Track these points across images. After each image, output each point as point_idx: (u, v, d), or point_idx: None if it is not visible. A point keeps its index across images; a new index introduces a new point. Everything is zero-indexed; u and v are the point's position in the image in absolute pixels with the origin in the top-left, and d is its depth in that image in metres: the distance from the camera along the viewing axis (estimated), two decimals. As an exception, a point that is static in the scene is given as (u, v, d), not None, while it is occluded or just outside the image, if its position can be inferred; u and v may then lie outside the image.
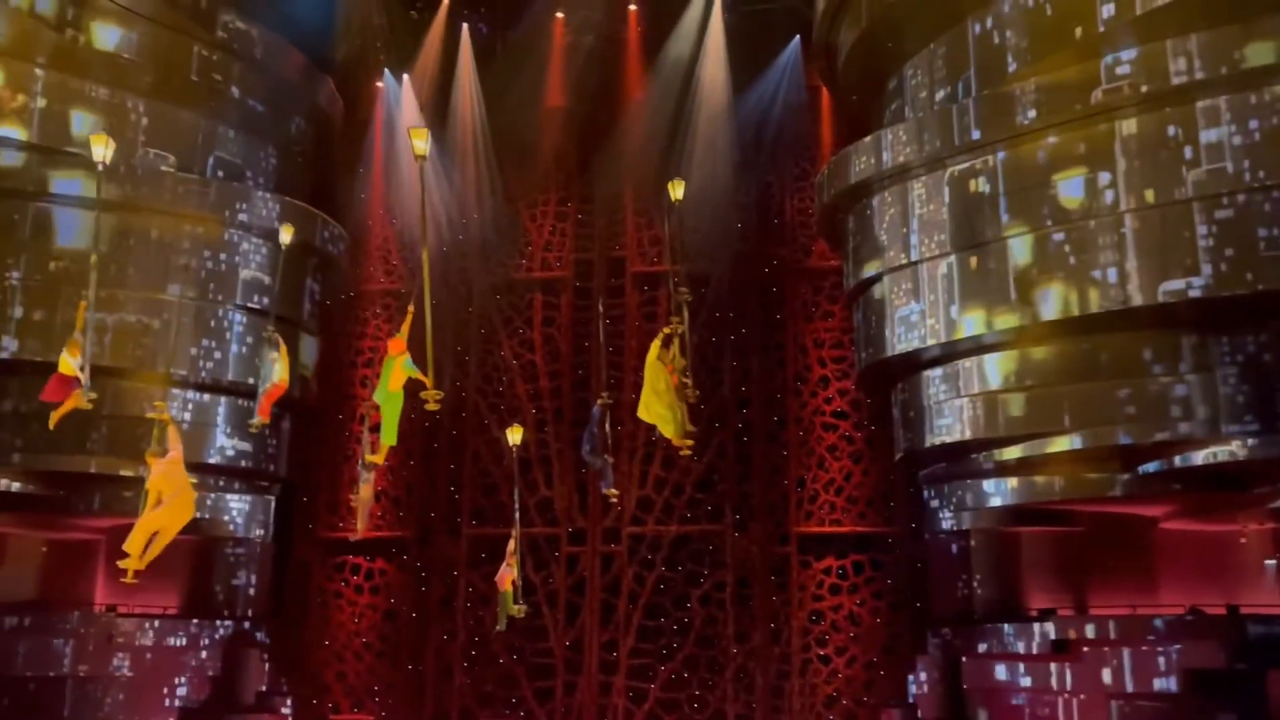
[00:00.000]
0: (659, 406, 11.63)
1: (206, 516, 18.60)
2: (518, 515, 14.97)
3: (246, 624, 19.21)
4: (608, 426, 14.21)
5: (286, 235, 14.60)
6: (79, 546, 18.60)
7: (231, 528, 19.46)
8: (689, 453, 11.85)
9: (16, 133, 16.82)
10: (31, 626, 16.99)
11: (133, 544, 11.32)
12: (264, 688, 19.01)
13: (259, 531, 19.84)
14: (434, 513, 21.09)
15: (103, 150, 12.03)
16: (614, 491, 14.22)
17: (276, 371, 12.90)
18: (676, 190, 12.86)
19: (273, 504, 19.92)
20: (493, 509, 20.05)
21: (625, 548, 20.83)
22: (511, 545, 14.14)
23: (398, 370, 11.05)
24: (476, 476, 20.98)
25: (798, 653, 20.22)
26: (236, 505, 19.27)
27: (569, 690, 20.57)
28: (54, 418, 11.50)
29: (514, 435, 14.34)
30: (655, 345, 12.11)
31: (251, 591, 19.66)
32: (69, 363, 11.45)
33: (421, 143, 10.36)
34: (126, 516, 16.64)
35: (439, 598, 21.09)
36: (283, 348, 13.09)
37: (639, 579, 20.92)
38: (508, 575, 14.00)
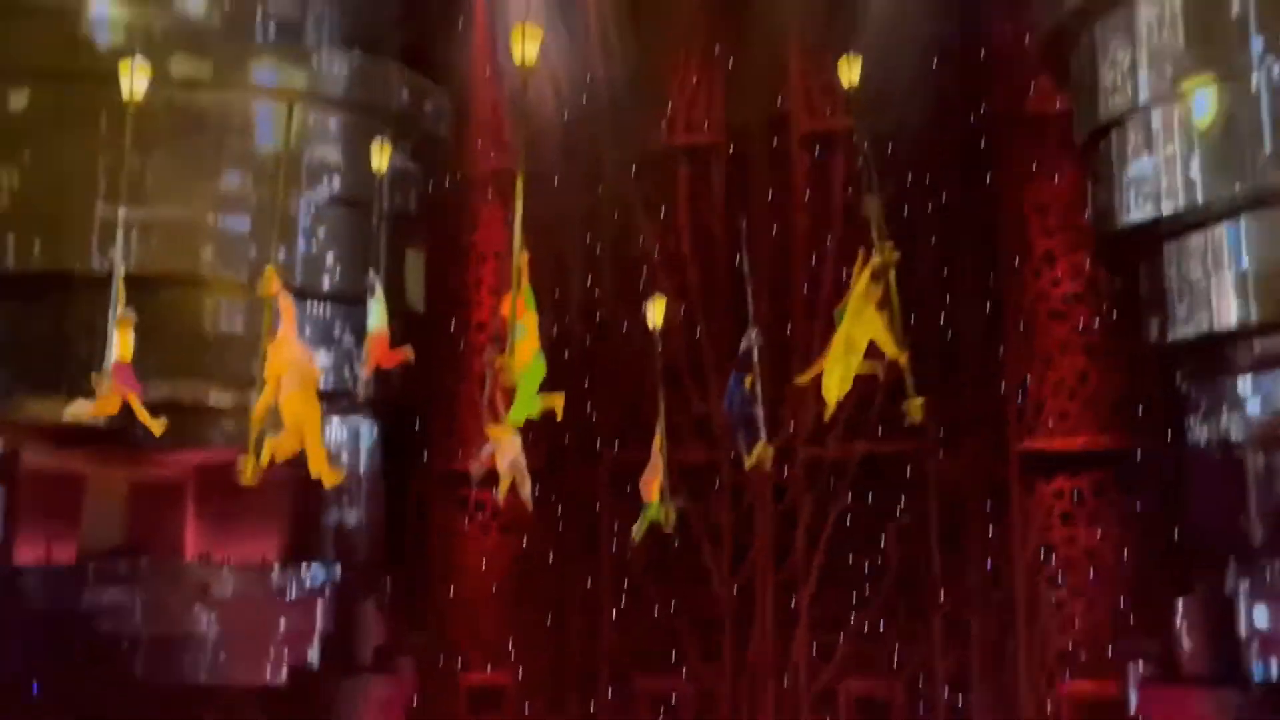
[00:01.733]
0: (842, 367, 11.57)
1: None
2: (662, 405, 14.30)
3: (359, 572, 19.18)
4: (754, 368, 13.55)
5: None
6: (165, 487, 18.80)
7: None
8: (878, 371, 11.87)
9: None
10: (115, 576, 17.49)
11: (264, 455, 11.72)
12: (382, 644, 19.04)
13: (365, 463, 19.72)
14: (567, 435, 20.57)
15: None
16: (763, 454, 13.44)
17: (375, 316, 12.96)
18: (851, 70, 12.87)
19: (376, 430, 19.48)
20: (636, 431, 18.68)
21: (801, 473, 20.36)
22: (657, 442, 13.82)
23: (529, 338, 11.04)
24: (615, 393, 20.66)
25: (1023, 598, 19.66)
26: (334, 433, 19.02)
27: (739, 646, 20.42)
28: (150, 423, 12.05)
29: (656, 310, 14.34)
30: (862, 276, 11.88)
31: (363, 534, 19.60)
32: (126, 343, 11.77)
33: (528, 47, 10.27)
34: (218, 448, 17.19)
35: (578, 536, 20.88)
36: (378, 291, 13.11)
37: (819, 511, 20.43)
38: (654, 481, 13.72)
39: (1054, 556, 19.92)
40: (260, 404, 12.05)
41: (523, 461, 11.95)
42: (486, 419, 11.81)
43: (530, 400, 11.01)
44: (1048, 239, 20.37)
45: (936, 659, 20.04)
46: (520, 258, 10.99)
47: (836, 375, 11.79)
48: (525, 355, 10.78)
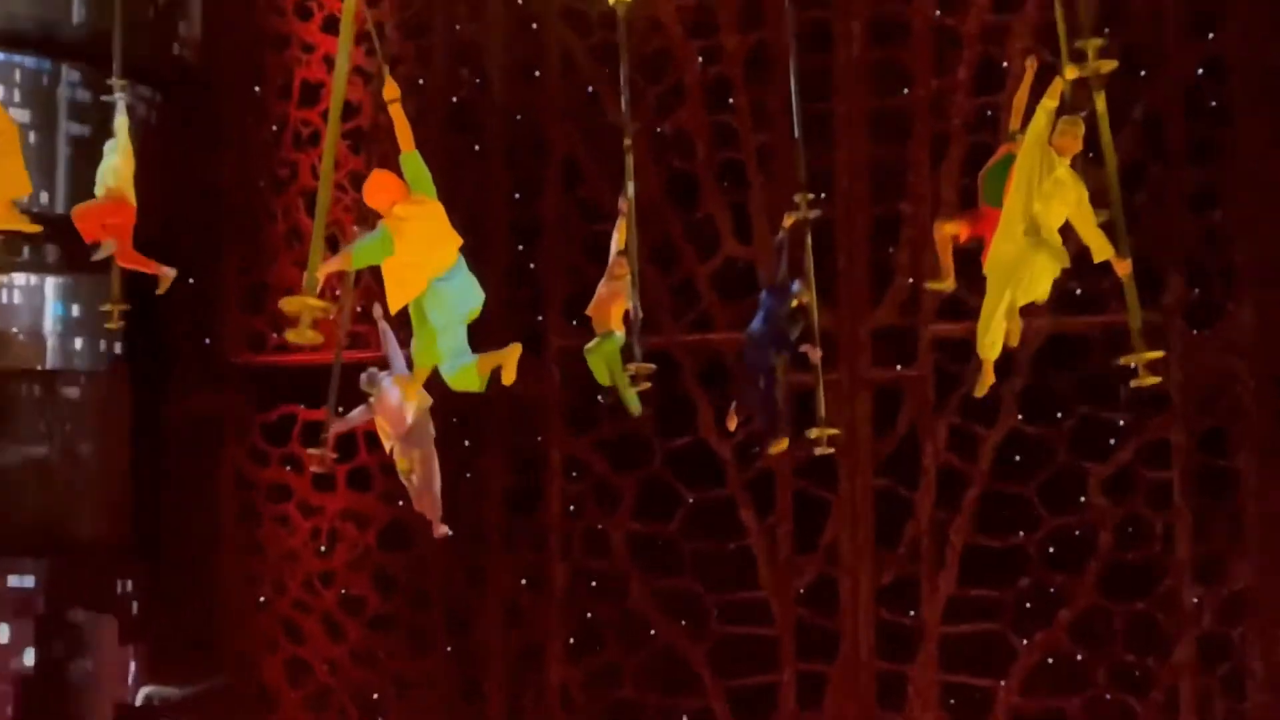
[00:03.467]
0: (1010, 282, 10.16)
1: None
2: (629, 140, 12.69)
3: (82, 570, 18.25)
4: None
5: None
6: None
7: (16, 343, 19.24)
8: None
9: None
10: None
11: None
12: (132, 692, 18.30)
13: (87, 353, 19.10)
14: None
15: None
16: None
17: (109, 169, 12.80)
18: None
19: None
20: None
21: (930, 371, 17.92)
22: (618, 238, 12.97)
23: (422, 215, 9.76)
24: (570, 221, 18.76)
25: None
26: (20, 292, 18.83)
27: (810, 691, 18.21)
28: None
29: None
30: (1042, 115, 10.18)
31: (91, 505, 18.74)
32: None
33: None
34: None
35: (503, 493, 18.83)
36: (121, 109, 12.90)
37: (963, 444, 17.87)
38: (615, 303, 12.87)
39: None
40: None
41: (429, 441, 12.48)
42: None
43: (450, 349, 9.91)
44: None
45: None
46: None
47: (1000, 300, 10.21)
48: (419, 261, 9.65)
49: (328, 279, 10.35)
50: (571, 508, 18.10)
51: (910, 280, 17.45)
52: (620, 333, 13.39)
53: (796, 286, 13.46)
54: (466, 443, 18.39)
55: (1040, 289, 10.66)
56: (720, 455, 17.84)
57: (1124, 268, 10.88)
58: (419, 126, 18.57)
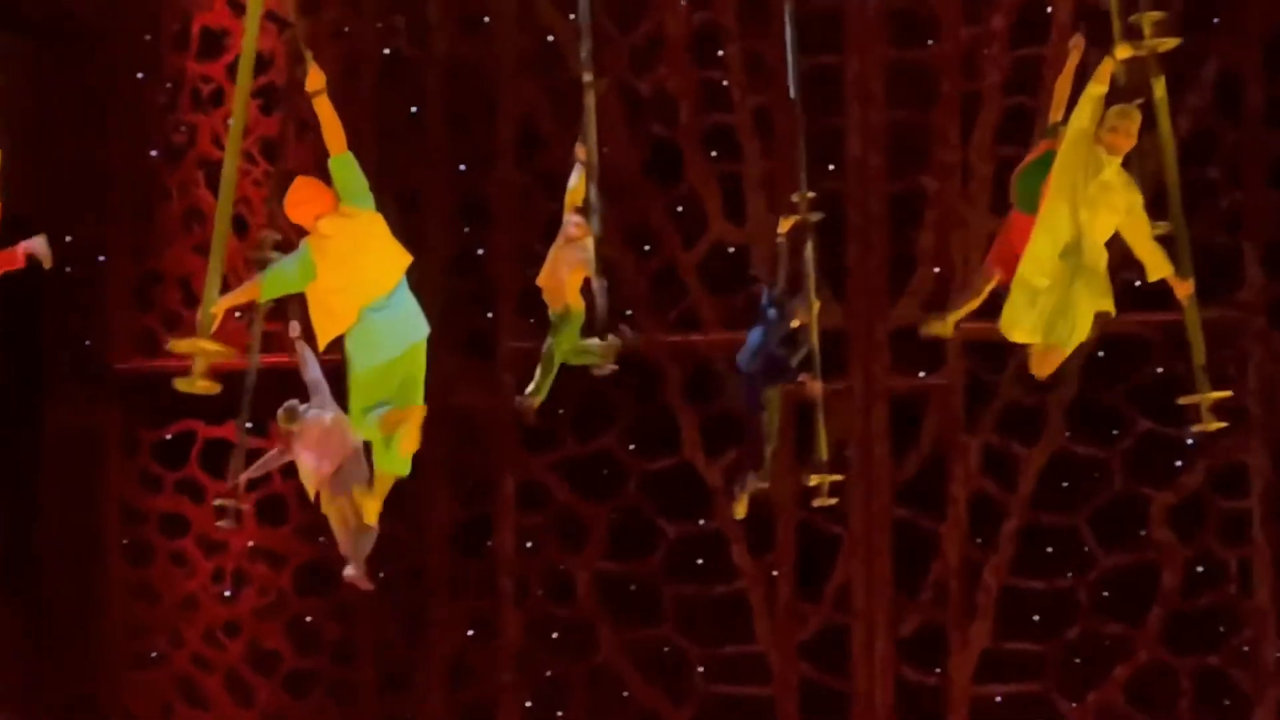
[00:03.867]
0: (1041, 305, 10.44)
1: None
2: (588, 76, 13.28)
3: None
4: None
5: None
6: None
7: None
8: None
9: None
10: None
11: None
12: None
13: None
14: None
15: None
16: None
17: None
18: None
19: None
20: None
21: (960, 378, 18.15)
22: (574, 192, 13.24)
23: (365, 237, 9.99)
24: (527, 199, 18.87)
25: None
26: None
27: None
28: None
29: None
30: (1087, 105, 10.48)
31: None
32: None
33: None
34: None
35: (447, 526, 18.84)
36: None
37: (999, 467, 17.97)
38: (572, 272, 13.13)
39: None
40: None
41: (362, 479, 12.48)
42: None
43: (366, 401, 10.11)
44: None
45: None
46: None
47: (1030, 321, 10.50)
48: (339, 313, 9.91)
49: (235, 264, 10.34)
50: (529, 544, 18.13)
51: (936, 270, 17.50)
52: (579, 309, 13.37)
53: (796, 304, 13.52)
54: (403, 468, 18.14)
55: (1076, 330, 10.71)
56: (708, 481, 17.82)
57: (1185, 289, 10.91)
58: (344, 85, 18.78)
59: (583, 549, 17.96)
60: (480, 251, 18.58)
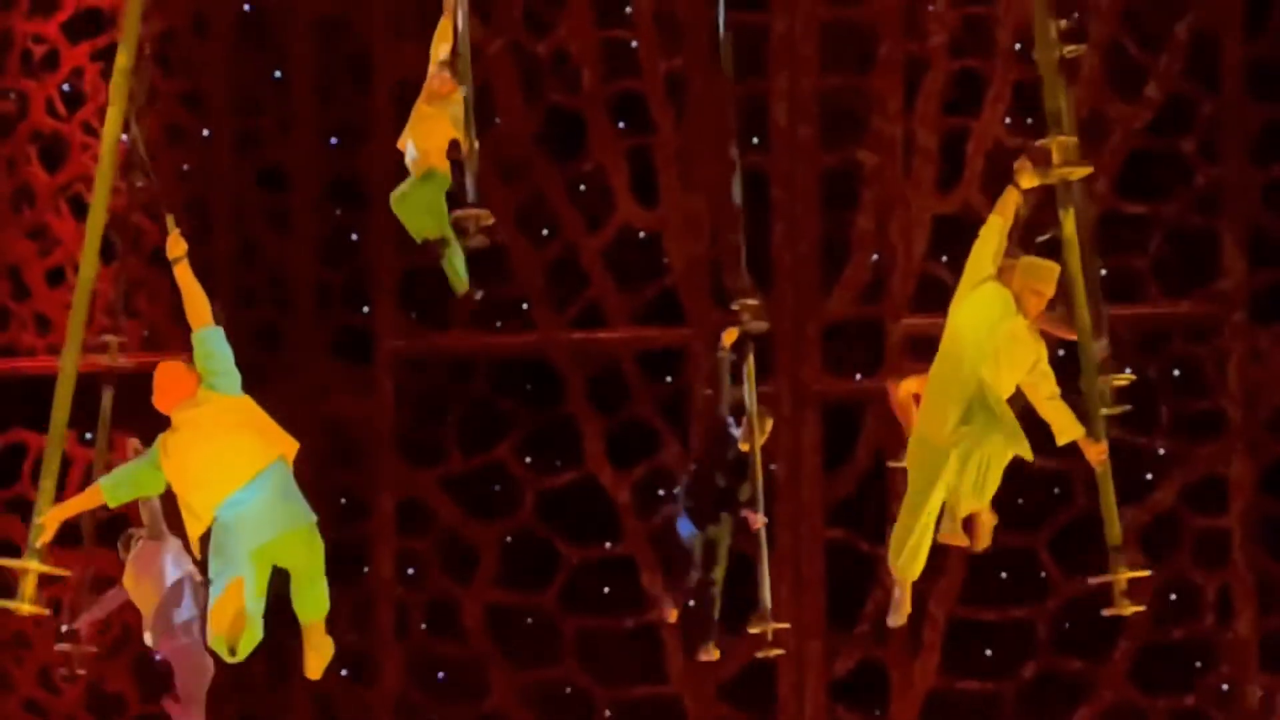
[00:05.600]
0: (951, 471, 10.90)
1: None
2: None
3: None
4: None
5: None
6: None
7: None
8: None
9: None
10: None
11: None
12: None
13: None
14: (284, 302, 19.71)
15: None
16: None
17: None
18: None
19: None
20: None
21: (905, 368, 17.36)
22: (439, 43, 13.29)
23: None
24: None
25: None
26: None
27: None
28: None
29: None
30: (990, 238, 10.95)
31: None
32: None
33: None
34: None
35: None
36: None
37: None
38: (437, 131, 13.19)
39: None
40: None
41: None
42: None
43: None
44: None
45: None
46: None
47: (925, 503, 10.82)
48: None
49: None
50: (410, 570, 18.23)
51: (875, 257, 17.67)
52: (444, 171, 13.38)
53: (738, 430, 13.62)
54: (267, 482, 18.10)
55: (990, 484, 10.85)
56: (614, 497, 17.95)
57: (1097, 453, 11.16)
58: (196, 46, 18.69)
59: (471, 576, 18.09)
60: (354, 237, 18.69)
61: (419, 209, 13.49)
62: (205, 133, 19.18)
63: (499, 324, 19.31)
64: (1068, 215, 11.33)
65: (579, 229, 17.98)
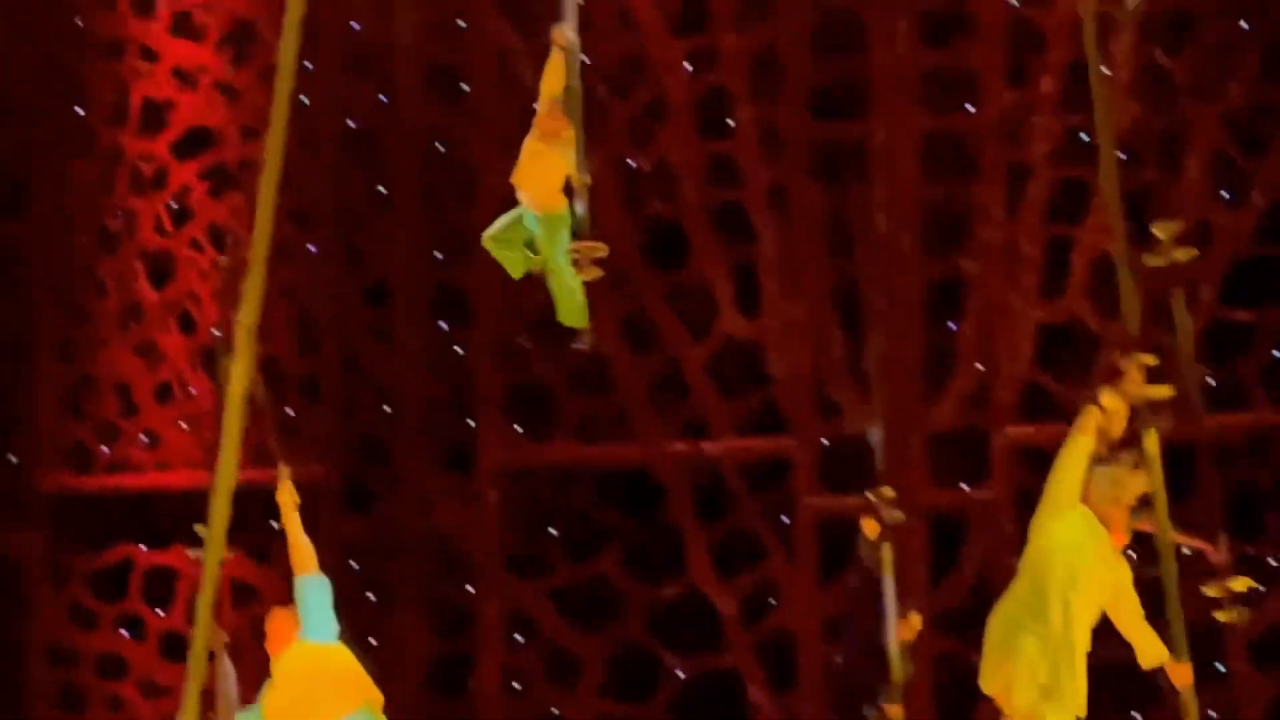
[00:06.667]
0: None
1: None
2: None
3: None
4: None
5: None
6: None
7: None
8: None
9: None
10: None
11: None
12: None
13: None
14: (389, 415, 19.56)
15: None
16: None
17: None
18: None
19: None
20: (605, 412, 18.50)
21: (1008, 491, 18.33)
22: (549, 81, 13.11)
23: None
24: (508, 288, 17.20)
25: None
26: None
27: None
28: None
29: None
30: (1074, 459, 10.88)
31: None
32: None
33: None
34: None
35: (423, 663, 18.87)
36: None
37: None
38: (551, 170, 13.08)
39: None
40: None
41: None
42: None
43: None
44: None
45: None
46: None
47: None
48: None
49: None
50: (515, 683, 18.08)
51: (979, 365, 17.61)
52: (561, 208, 13.18)
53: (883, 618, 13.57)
54: (372, 596, 18.43)
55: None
56: (720, 609, 17.83)
57: (1183, 675, 11.06)
58: (301, 159, 18.91)
59: (577, 689, 17.96)
60: (457, 348, 18.65)
61: (516, 245, 13.25)
62: (312, 248, 19.54)
63: (602, 436, 19.28)
64: (1149, 435, 11.06)
65: (682, 340, 18.04)
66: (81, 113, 19.13)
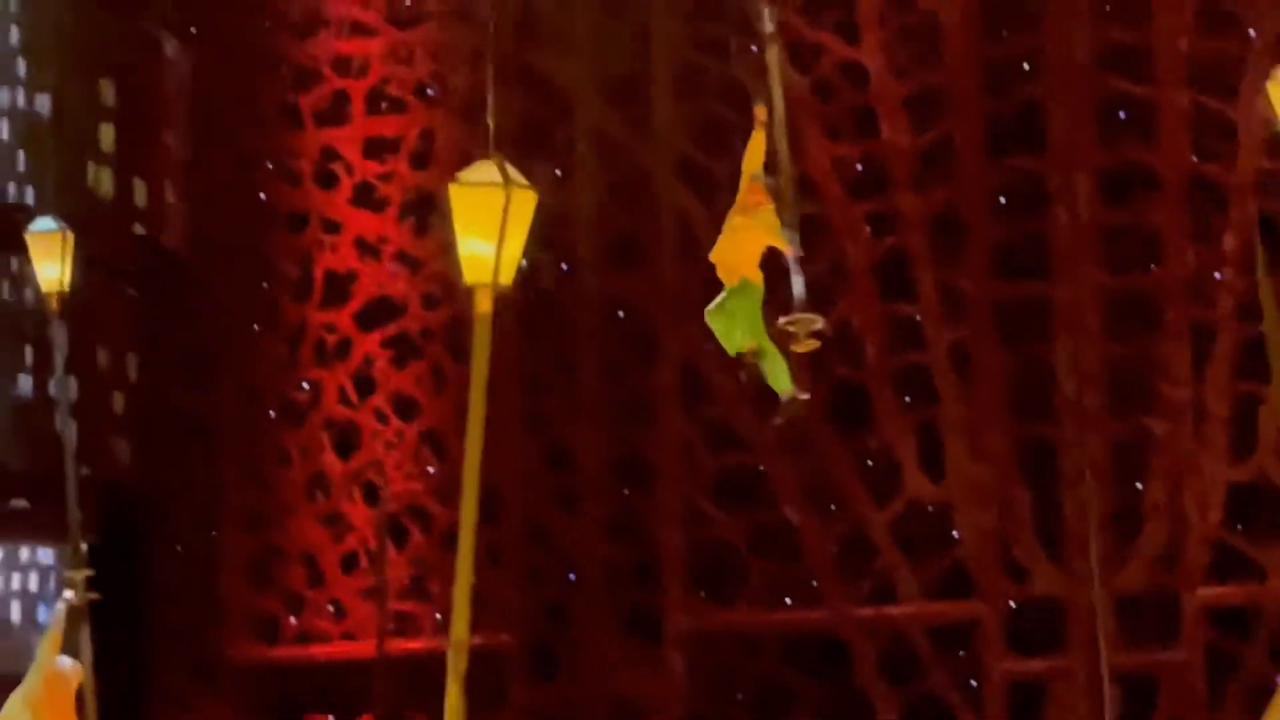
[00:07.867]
0: None
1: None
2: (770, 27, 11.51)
3: None
4: None
5: None
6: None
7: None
8: None
9: None
10: None
11: None
12: None
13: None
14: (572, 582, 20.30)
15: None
16: None
17: None
18: None
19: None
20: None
21: (1199, 653, 18.26)
22: (751, 157, 12.19)
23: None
24: (692, 453, 19.21)
25: None
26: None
27: None
28: None
29: None
30: None
31: None
32: None
33: None
34: None
35: None
36: None
37: None
38: (751, 242, 11.88)
39: None
40: None
41: None
42: None
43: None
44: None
45: None
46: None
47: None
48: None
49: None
50: None
51: (1168, 527, 17.37)
52: (758, 282, 12.76)
53: None
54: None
55: None
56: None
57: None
58: (465, 335, 18.53)
59: None
60: (639, 516, 18.76)
61: (732, 319, 13.11)
62: (494, 416, 18.89)
63: (788, 600, 19.39)
64: None
65: (867, 503, 17.96)
66: (266, 286, 19.49)
